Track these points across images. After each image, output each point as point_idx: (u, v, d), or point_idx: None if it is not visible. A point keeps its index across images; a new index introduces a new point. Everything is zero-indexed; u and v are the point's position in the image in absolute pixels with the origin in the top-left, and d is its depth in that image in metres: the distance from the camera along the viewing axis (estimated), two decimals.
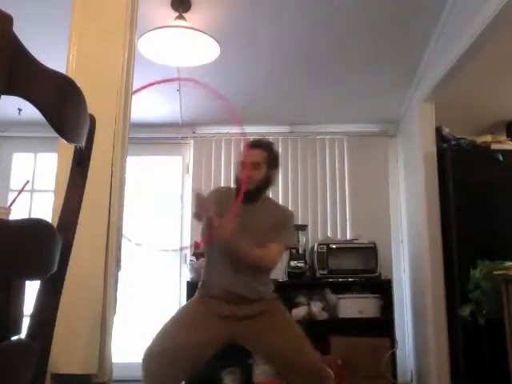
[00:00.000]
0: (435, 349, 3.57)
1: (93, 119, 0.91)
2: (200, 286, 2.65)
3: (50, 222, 0.74)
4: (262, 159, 2.61)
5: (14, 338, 0.70)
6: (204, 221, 2.55)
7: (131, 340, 4.30)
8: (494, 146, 3.70)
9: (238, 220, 2.49)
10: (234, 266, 2.50)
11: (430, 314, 3.63)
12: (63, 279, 0.86)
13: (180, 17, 3.12)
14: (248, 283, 2.50)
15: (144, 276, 4.47)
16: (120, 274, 2.37)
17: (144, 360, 2.40)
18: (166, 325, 2.51)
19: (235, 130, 4.58)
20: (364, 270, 3.99)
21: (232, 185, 2.78)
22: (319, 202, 4.53)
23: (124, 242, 2.42)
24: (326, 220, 4.50)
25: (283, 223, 2.62)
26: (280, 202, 4.36)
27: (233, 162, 4.59)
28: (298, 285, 4.06)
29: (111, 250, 2.21)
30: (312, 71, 3.93)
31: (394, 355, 3.78)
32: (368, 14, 3.31)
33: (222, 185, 2.92)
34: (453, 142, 3.75)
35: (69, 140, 0.79)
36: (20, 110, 4.05)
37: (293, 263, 4.04)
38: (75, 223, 0.90)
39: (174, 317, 2.57)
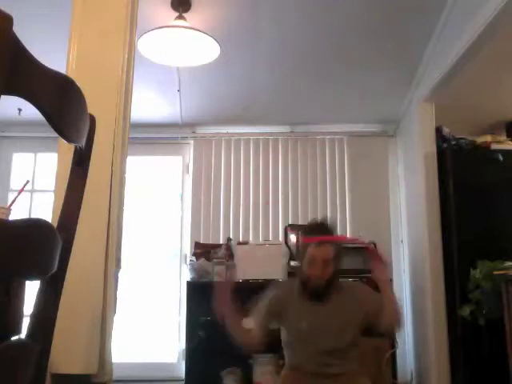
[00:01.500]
0: (435, 349, 3.56)
1: (93, 119, 0.91)
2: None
3: (50, 222, 0.74)
4: (332, 255, 2.44)
5: (14, 337, 0.70)
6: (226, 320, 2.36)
7: (131, 340, 4.30)
8: (494, 146, 3.70)
9: (309, 321, 2.41)
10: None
11: (430, 314, 3.63)
12: (63, 279, 0.86)
13: (180, 17, 3.12)
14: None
15: (144, 276, 4.47)
16: (120, 273, 2.37)
17: None
18: None
19: (236, 130, 4.60)
20: (364, 270, 3.99)
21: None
22: (319, 202, 4.53)
23: (124, 242, 2.43)
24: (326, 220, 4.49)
25: (372, 301, 2.47)
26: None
27: (233, 163, 4.59)
28: None
29: (111, 249, 2.21)
30: (312, 71, 3.92)
31: (394, 355, 3.78)
32: (368, 14, 3.31)
33: (281, 281, 2.62)
34: (453, 142, 3.75)
35: (69, 140, 0.79)
36: (20, 110, 4.04)
37: (293, 263, 4.03)
38: (75, 223, 0.90)
39: None
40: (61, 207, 0.89)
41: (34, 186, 4.47)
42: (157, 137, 4.61)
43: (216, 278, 3.99)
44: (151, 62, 3.30)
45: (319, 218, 2.62)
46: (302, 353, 2.46)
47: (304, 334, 2.43)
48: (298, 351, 2.50)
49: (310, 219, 2.64)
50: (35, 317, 0.81)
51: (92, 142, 0.91)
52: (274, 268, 3.82)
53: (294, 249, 4.07)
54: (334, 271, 2.45)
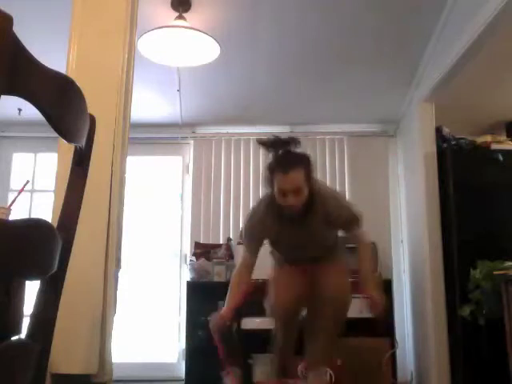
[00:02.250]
0: (435, 349, 3.56)
1: (93, 119, 0.91)
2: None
3: (50, 222, 0.74)
4: (302, 180, 2.34)
5: (14, 337, 0.70)
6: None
7: (131, 340, 4.30)
8: (494, 146, 3.70)
9: (294, 238, 2.52)
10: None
11: (430, 314, 3.63)
12: (63, 279, 0.86)
13: (180, 17, 3.12)
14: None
15: (144, 276, 4.47)
16: (120, 273, 2.37)
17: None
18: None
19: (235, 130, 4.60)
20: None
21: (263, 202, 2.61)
22: None
23: (124, 242, 2.43)
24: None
25: (338, 211, 2.49)
26: None
27: (233, 163, 4.59)
28: None
29: (111, 249, 2.22)
30: (312, 71, 3.92)
31: (394, 355, 3.78)
32: (368, 14, 3.31)
33: (256, 210, 2.60)
34: (453, 142, 3.75)
35: (69, 140, 0.79)
36: (20, 110, 4.04)
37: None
38: (75, 223, 0.89)
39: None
40: (61, 207, 0.89)
41: (34, 185, 4.47)
42: (157, 137, 4.61)
43: (216, 278, 4.00)
44: (151, 62, 3.30)
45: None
46: (285, 253, 2.73)
47: (286, 245, 2.64)
48: (281, 254, 2.75)
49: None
50: (35, 317, 0.81)
51: (92, 142, 0.91)
52: None
53: None
54: (308, 193, 2.37)
